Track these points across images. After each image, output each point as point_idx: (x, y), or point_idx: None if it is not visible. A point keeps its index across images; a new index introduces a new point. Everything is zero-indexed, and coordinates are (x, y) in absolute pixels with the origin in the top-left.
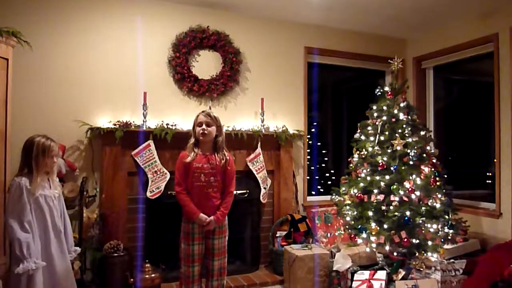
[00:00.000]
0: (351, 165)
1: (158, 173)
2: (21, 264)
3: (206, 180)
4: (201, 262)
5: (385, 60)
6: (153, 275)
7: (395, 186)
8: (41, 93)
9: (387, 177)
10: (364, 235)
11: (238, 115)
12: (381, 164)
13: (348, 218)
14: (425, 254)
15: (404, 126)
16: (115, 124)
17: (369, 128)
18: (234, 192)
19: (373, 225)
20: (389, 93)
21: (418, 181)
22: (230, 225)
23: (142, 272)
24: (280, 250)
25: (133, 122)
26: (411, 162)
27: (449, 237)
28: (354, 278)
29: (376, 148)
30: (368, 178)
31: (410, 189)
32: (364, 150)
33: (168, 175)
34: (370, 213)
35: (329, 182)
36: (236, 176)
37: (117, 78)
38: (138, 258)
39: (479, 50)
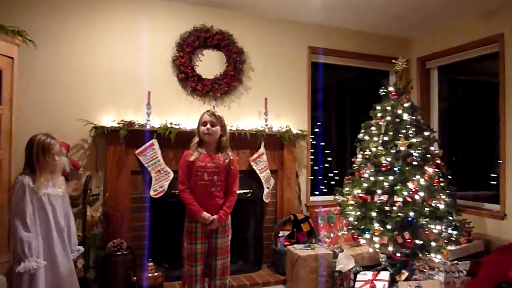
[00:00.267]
0: (354, 165)
1: (162, 172)
2: (22, 263)
3: (209, 179)
4: (204, 261)
5: (389, 60)
6: (156, 274)
7: (398, 187)
8: (45, 91)
9: (391, 177)
10: (367, 235)
11: (241, 115)
12: (384, 164)
13: (351, 219)
14: (428, 255)
15: (408, 126)
16: (119, 123)
17: (373, 128)
18: (237, 191)
19: (376, 225)
20: (393, 93)
21: (422, 181)
22: (233, 224)
23: (145, 271)
24: (283, 250)
25: (137, 121)
26: (415, 163)
27: (453, 238)
28: (357, 279)
29: (380, 148)
30: (372, 178)
31: (413, 190)
32: (367, 150)
33: (172, 174)
34: (374, 214)
35: (332, 182)
36: (239, 175)
37: (121, 77)
38: (141, 257)
39: (484, 50)
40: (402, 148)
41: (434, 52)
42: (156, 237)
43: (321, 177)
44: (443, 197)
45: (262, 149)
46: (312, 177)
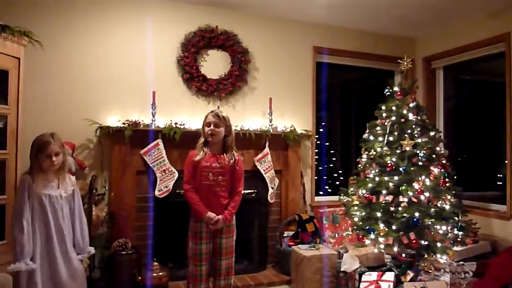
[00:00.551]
0: (359, 165)
1: (167, 172)
2: (13, 263)
3: (214, 179)
4: (209, 261)
5: (394, 60)
6: (160, 273)
7: (404, 187)
8: (51, 92)
9: (396, 177)
10: (372, 236)
11: (246, 115)
12: (389, 164)
13: (356, 219)
14: (434, 256)
15: (414, 126)
16: (124, 123)
17: (378, 128)
18: (242, 191)
19: (381, 226)
20: (398, 93)
21: (427, 182)
22: (237, 224)
23: (150, 271)
24: (288, 250)
25: (142, 121)
26: (420, 163)
27: (459, 239)
28: (362, 279)
29: (385, 148)
30: (377, 178)
31: (419, 190)
32: (372, 150)
33: (177, 174)
34: (379, 214)
35: (337, 183)
36: (244, 175)
37: (126, 77)
38: (146, 257)
39: (490, 49)
40: (408, 148)
41: (440, 52)
42: (160, 237)
43: (325, 177)
44: (449, 197)
45: (266, 149)
46: (316, 177)
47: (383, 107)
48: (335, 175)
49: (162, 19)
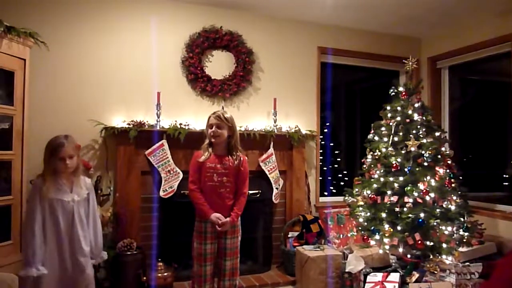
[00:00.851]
0: (364, 166)
1: (171, 172)
2: (24, 269)
3: (218, 180)
4: (214, 261)
5: (399, 60)
6: (165, 273)
7: (409, 188)
8: (57, 93)
9: (401, 178)
10: (377, 236)
11: (250, 115)
12: (395, 165)
13: (361, 220)
14: (439, 257)
15: (419, 126)
16: (129, 124)
17: (383, 128)
18: (247, 192)
19: (386, 226)
20: (403, 93)
21: (433, 182)
22: (242, 225)
23: (155, 271)
24: (292, 250)
25: (147, 121)
26: (425, 163)
27: (464, 240)
28: (367, 280)
29: (390, 149)
30: (382, 179)
31: (424, 191)
32: (377, 151)
33: (181, 175)
34: (384, 215)
35: (342, 183)
36: (248, 176)
37: (131, 78)
38: (151, 257)
39: (496, 49)
40: (413, 149)
41: (445, 52)
42: (165, 237)
43: (330, 178)
44: (454, 198)
45: (271, 150)
46: (321, 178)
47: (388, 107)
48: (340, 175)
49: (167, 19)
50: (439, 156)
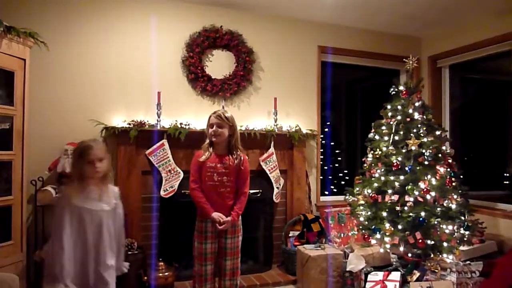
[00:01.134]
0: (365, 165)
1: (172, 172)
2: (50, 284)
3: (219, 179)
4: (214, 261)
5: (399, 59)
6: (166, 273)
7: (409, 187)
8: (57, 92)
9: (402, 177)
10: (378, 235)
11: (251, 115)
12: (395, 164)
13: (361, 219)
14: (440, 256)
15: (419, 125)
16: (129, 124)
17: (384, 127)
18: (248, 192)
19: (387, 225)
20: (404, 92)
21: (433, 181)
22: (243, 224)
23: (155, 271)
24: (293, 250)
25: (147, 121)
26: (426, 162)
27: (465, 239)
28: (368, 279)
29: (391, 148)
30: (382, 178)
31: (425, 190)
32: (378, 150)
33: (182, 174)
34: (384, 214)
35: (343, 182)
36: (249, 175)
37: (132, 78)
38: (152, 257)
39: (497, 48)
40: (413, 148)
41: (445, 51)
42: (166, 237)
43: (331, 177)
44: (455, 197)
45: (271, 149)
46: (322, 177)
47: (389, 106)
48: (341, 174)
49: (167, 19)
50: (440, 155)
